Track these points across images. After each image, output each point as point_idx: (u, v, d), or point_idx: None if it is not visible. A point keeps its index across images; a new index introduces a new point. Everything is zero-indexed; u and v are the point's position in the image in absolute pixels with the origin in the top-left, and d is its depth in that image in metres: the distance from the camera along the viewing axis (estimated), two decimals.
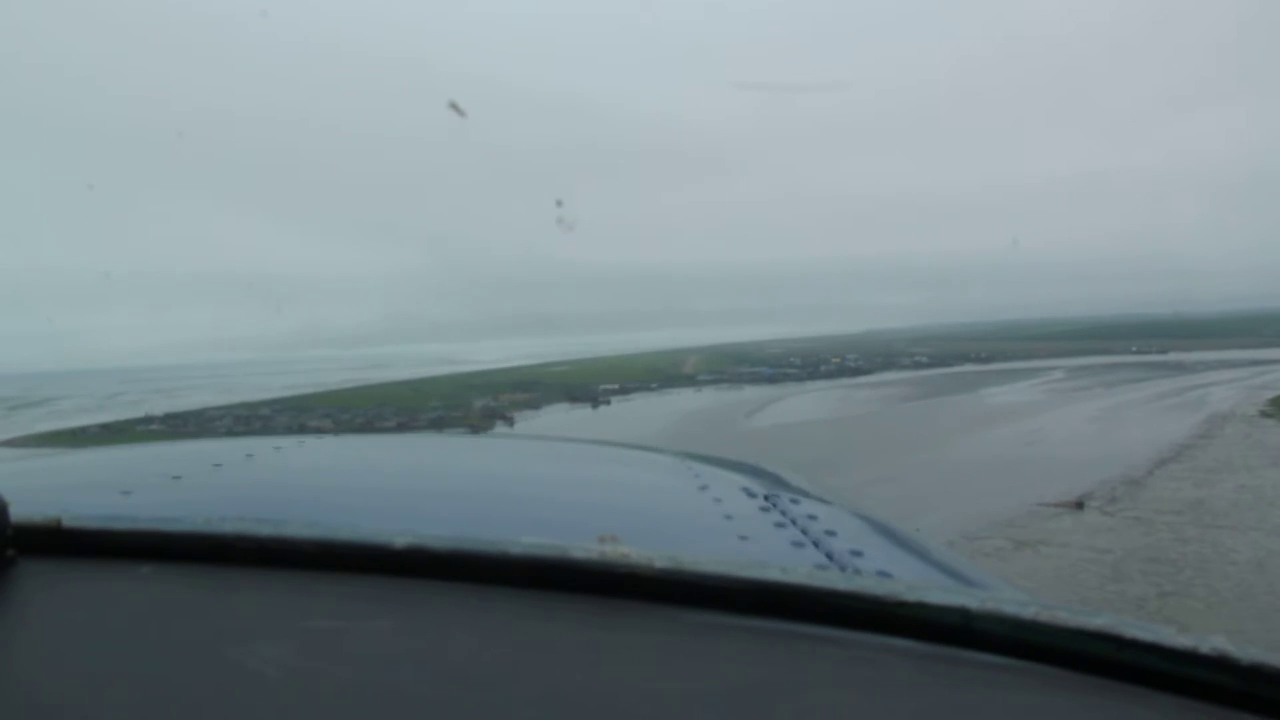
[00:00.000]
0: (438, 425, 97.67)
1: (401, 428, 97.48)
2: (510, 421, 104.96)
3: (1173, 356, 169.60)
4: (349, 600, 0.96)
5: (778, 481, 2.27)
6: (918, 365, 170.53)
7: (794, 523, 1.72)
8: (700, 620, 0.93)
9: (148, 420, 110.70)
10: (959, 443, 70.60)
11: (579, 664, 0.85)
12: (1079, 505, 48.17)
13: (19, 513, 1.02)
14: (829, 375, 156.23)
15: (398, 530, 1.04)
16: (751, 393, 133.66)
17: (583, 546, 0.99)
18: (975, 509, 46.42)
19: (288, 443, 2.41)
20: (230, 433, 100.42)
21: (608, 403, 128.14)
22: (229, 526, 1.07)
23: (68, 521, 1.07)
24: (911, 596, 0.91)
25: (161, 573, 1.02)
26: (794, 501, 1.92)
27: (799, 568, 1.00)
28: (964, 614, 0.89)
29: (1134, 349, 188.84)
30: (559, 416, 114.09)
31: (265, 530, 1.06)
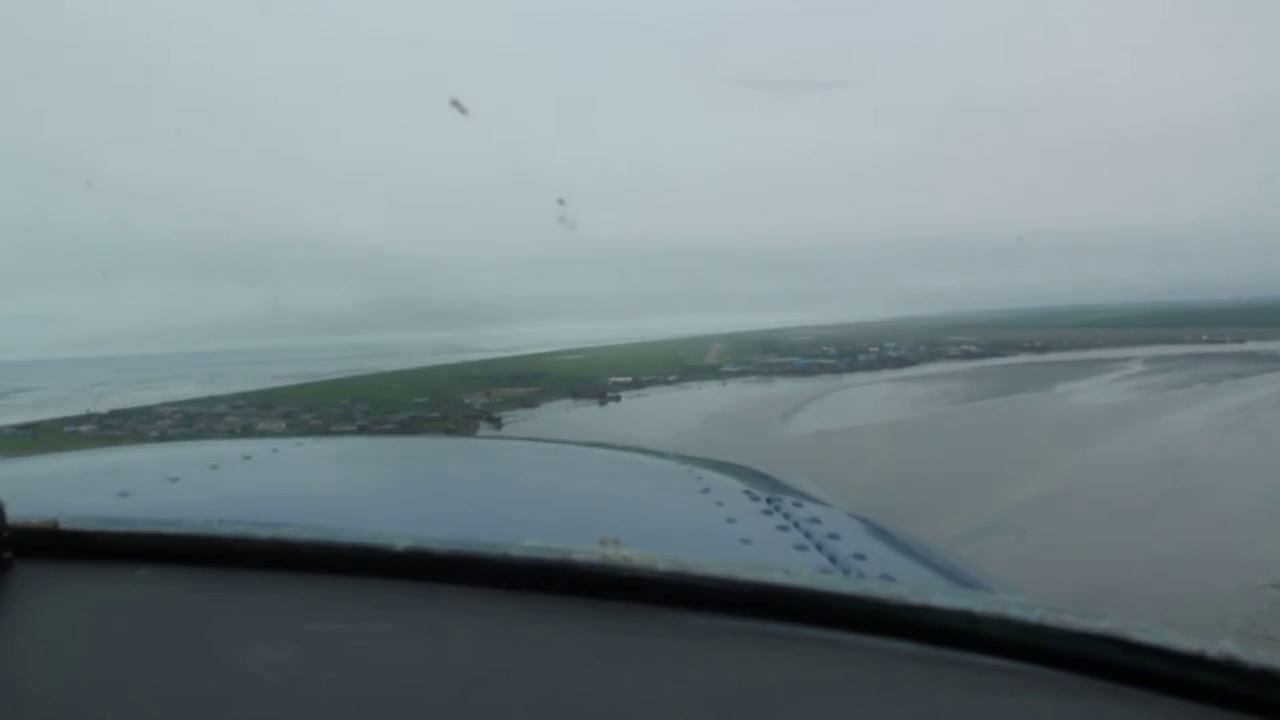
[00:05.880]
0: (407, 428, 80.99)
1: (362, 431, 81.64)
2: (498, 423, 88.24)
3: (1253, 346, 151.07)
4: (349, 603, 0.96)
5: (780, 484, 2.26)
6: (967, 355, 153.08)
7: (797, 526, 1.73)
8: (703, 623, 0.92)
9: (84, 419, 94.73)
10: (1070, 463, 53.18)
11: (581, 667, 0.85)
12: None
13: (15, 514, 1.02)
14: (869, 366, 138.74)
15: (398, 533, 1.03)
16: (784, 387, 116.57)
17: (585, 549, 0.99)
18: (1164, 590, 29.13)
19: (285, 444, 2.42)
20: (164, 436, 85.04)
21: (617, 399, 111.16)
22: (228, 529, 1.06)
23: (65, 523, 1.06)
24: (916, 599, 0.90)
25: (160, 575, 1.02)
26: (796, 504, 1.95)
27: (802, 571, 0.99)
28: (969, 617, 0.88)
29: (1204, 337, 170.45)
30: (558, 416, 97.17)
31: (264, 533, 1.05)
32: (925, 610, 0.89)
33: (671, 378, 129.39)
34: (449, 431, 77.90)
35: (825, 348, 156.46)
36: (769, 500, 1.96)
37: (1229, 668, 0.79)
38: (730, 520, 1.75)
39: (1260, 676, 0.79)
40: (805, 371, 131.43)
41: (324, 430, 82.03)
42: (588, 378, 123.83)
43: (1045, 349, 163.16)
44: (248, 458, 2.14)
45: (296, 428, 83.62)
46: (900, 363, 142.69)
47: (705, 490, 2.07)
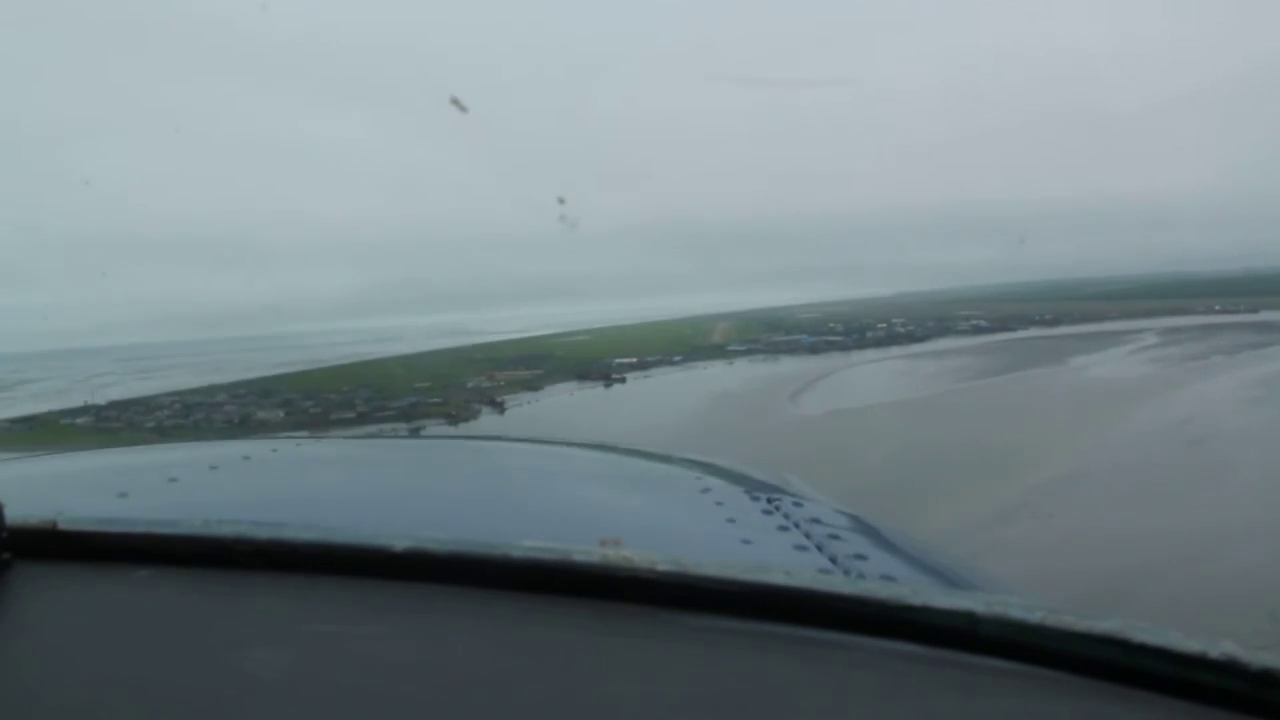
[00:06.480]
0: (407, 415, 79.29)
1: (362, 418, 79.96)
2: (501, 407, 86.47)
3: (1266, 316, 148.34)
4: (348, 604, 0.96)
5: (780, 485, 2.28)
6: (977, 330, 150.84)
7: (797, 526, 1.75)
8: (703, 624, 0.92)
9: (81, 411, 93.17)
10: (1091, 441, 51.35)
11: (581, 668, 0.85)
12: None
13: (14, 514, 1.02)
14: (878, 343, 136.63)
15: (397, 533, 1.03)
16: (791, 366, 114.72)
17: (585, 550, 0.99)
18: (1199, 576, 27.35)
19: (285, 445, 2.45)
20: (161, 427, 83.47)
21: (622, 380, 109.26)
22: (227, 529, 1.06)
23: (64, 524, 1.06)
24: (917, 600, 0.90)
25: (159, 576, 1.02)
26: (797, 505, 1.98)
27: (803, 571, 0.99)
28: (970, 618, 0.88)
29: (1216, 308, 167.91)
30: (562, 399, 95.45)
31: (263, 533, 1.05)
32: (926, 611, 0.89)
33: (677, 358, 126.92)
34: (450, 417, 76.31)
35: (832, 325, 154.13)
36: (769, 500, 1.97)
37: (1231, 669, 0.79)
38: (730, 520, 1.75)
39: (1262, 678, 0.78)
40: (813, 349, 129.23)
41: (324, 418, 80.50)
42: (592, 359, 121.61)
43: (1056, 322, 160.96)
44: (247, 458, 2.13)
45: (295, 416, 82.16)
46: (909, 339, 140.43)
47: (705, 490, 2.07)
